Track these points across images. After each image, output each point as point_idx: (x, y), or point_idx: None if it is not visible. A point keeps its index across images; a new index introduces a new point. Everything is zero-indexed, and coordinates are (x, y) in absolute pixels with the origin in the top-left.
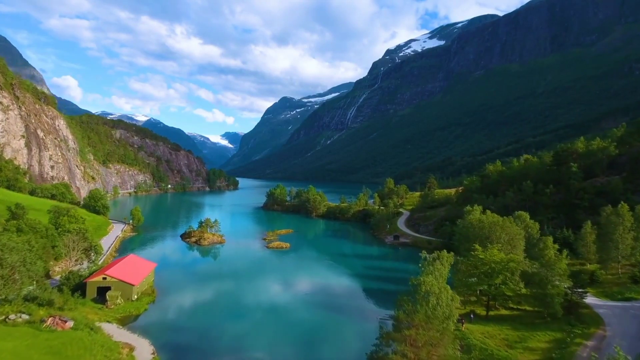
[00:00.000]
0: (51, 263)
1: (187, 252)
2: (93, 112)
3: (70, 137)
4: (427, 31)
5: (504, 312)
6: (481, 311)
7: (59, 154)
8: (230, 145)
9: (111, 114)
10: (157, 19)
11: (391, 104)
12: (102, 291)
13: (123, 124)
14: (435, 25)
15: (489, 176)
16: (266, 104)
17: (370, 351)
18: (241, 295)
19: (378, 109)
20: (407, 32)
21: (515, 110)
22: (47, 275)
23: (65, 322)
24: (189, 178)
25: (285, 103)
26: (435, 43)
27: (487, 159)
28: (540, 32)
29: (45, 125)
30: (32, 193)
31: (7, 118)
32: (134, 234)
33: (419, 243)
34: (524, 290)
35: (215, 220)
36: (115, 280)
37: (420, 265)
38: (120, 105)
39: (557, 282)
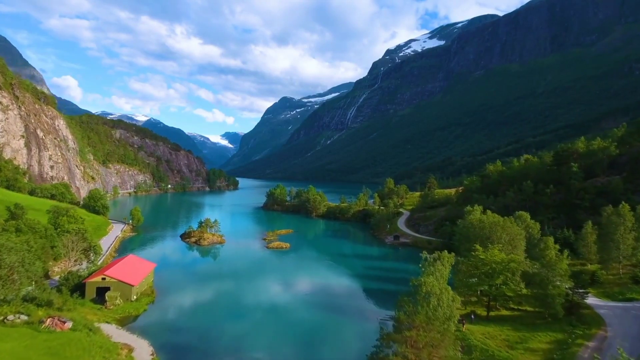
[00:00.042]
0: (50, 263)
1: (187, 252)
2: (93, 112)
3: (70, 137)
4: (427, 31)
5: (504, 312)
6: (482, 312)
7: (59, 154)
8: (230, 145)
9: (111, 114)
10: (157, 19)
11: (391, 104)
12: (101, 291)
13: (123, 124)
14: (435, 25)
15: (489, 176)
16: (266, 104)
17: (371, 352)
18: (241, 295)
19: (378, 109)
20: (407, 32)
21: (515, 110)
22: (46, 276)
23: (64, 322)
24: (189, 178)
25: (285, 103)
26: (435, 43)
27: (487, 159)
28: (540, 32)
29: (45, 125)
30: (31, 193)
31: (7, 118)
32: (133, 234)
33: (419, 243)
34: (524, 291)
35: (215, 221)
36: (114, 280)
37: (420, 265)
38: (120, 105)
39: (558, 283)
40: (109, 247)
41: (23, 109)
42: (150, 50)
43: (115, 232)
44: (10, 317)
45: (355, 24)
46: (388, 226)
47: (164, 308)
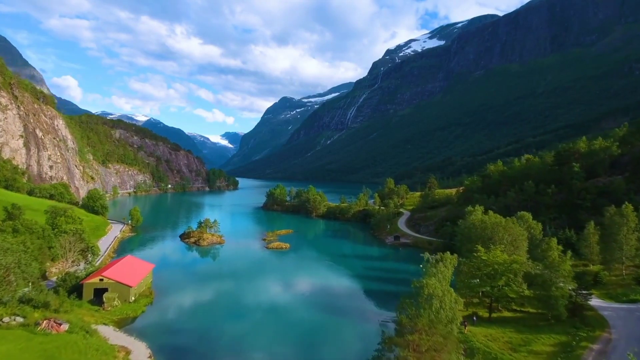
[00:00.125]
0: (48, 264)
1: (186, 252)
2: (93, 112)
3: (69, 137)
4: (427, 31)
5: (507, 314)
6: (484, 313)
7: (58, 153)
8: (230, 145)
9: (111, 114)
10: (157, 19)
11: (391, 104)
12: (99, 293)
13: (123, 123)
14: (435, 25)
15: (490, 176)
16: (266, 104)
17: (372, 356)
18: (241, 296)
19: (378, 109)
20: (407, 32)
21: (515, 110)
22: (44, 277)
23: (60, 324)
24: (189, 178)
25: (285, 103)
26: (435, 43)
27: (487, 159)
28: (540, 32)
29: (44, 125)
30: (30, 193)
31: (6, 118)
32: (132, 234)
33: (419, 243)
34: (527, 292)
35: (215, 221)
36: (112, 281)
37: (421, 266)
38: (120, 105)
39: (561, 284)
40: (107, 248)
41: (22, 108)
42: (150, 50)
43: (114, 232)
44: (6, 319)
45: (355, 24)
46: (388, 226)
47: (162, 309)
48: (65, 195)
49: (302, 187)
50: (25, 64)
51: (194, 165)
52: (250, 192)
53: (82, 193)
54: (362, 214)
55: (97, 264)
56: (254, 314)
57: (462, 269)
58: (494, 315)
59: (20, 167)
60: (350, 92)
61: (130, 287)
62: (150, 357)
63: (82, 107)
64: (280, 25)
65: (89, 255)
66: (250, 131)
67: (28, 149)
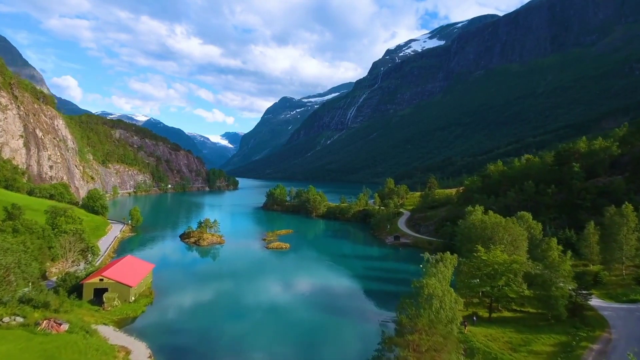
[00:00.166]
0: (48, 264)
1: (186, 252)
2: (93, 112)
3: (69, 137)
4: (427, 31)
5: (507, 314)
6: (484, 313)
7: (58, 153)
8: (230, 145)
9: (111, 114)
10: (157, 19)
11: (391, 104)
12: (99, 293)
13: (123, 123)
14: (435, 25)
15: (490, 176)
16: (266, 104)
17: (372, 356)
18: (240, 296)
19: (378, 109)
20: (407, 32)
21: (515, 110)
22: (44, 277)
23: (60, 324)
24: (189, 178)
25: (285, 103)
26: (435, 43)
27: (487, 159)
28: (541, 32)
29: (44, 125)
30: (30, 193)
31: (6, 118)
32: (132, 234)
33: (419, 243)
34: (527, 292)
35: (215, 221)
36: (112, 281)
37: (421, 266)
38: (120, 105)
39: (561, 284)
40: (107, 248)
41: (22, 108)
42: (150, 50)
43: (114, 232)
44: (6, 319)
45: (355, 24)
46: (388, 226)
47: (162, 309)
48: (65, 195)
49: (302, 187)
50: (25, 64)
51: (194, 165)
52: (250, 192)
53: (82, 193)
54: (362, 214)
55: (97, 264)
56: (254, 314)
57: (462, 269)
58: (494, 315)
59: (20, 167)
60: (350, 92)
61: (130, 287)
62: (150, 357)
63: (82, 107)
64: (280, 25)
65: (89, 255)
66: (250, 131)
67: (28, 149)
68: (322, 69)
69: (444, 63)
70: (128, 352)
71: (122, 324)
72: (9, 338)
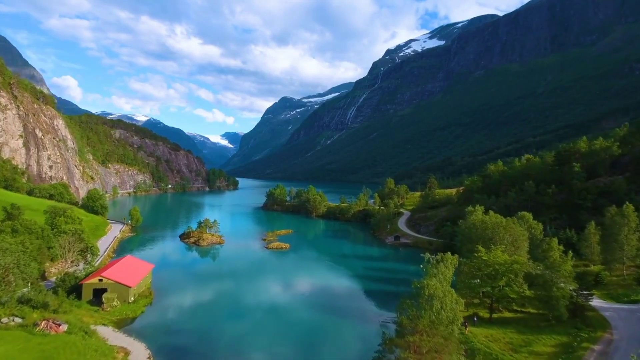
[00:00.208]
0: (47, 264)
1: (186, 252)
2: (93, 112)
3: (69, 136)
4: (427, 31)
5: (507, 314)
6: (484, 314)
7: (58, 153)
8: (230, 145)
9: (111, 114)
10: (157, 19)
11: (391, 104)
12: (98, 293)
13: (122, 123)
14: (435, 25)
15: (490, 176)
16: (266, 104)
17: (373, 357)
18: (240, 296)
19: (378, 109)
20: (407, 32)
21: (515, 110)
22: (43, 277)
23: (59, 325)
24: (189, 178)
25: (285, 103)
26: (435, 43)
27: (487, 159)
28: (541, 32)
29: (44, 124)
30: (30, 193)
31: (5, 117)
32: (132, 234)
33: (419, 243)
34: (528, 293)
35: (215, 221)
36: (111, 282)
37: (422, 267)
38: (120, 105)
39: (562, 284)
40: (107, 248)
41: (22, 108)
42: (150, 50)
43: (114, 232)
44: (4, 319)
45: (355, 24)
46: (388, 226)
47: (162, 310)
48: (65, 195)
49: (302, 187)
50: (25, 64)
51: (193, 165)
52: (250, 192)
53: (82, 193)
54: (362, 214)
55: (96, 264)
56: (254, 314)
57: (462, 269)
58: (494, 315)
59: (19, 167)
60: (350, 92)
61: (130, 287)
62: (149, 357)
63: (82, 107)
64: (280, 25)
65: (89, 256)
66: (250, 131)
67: (28, 149)
68: (322, 69)
69: (444, 63)
70: (127, 353)
71: (122, 325)
72: (7, 339)
